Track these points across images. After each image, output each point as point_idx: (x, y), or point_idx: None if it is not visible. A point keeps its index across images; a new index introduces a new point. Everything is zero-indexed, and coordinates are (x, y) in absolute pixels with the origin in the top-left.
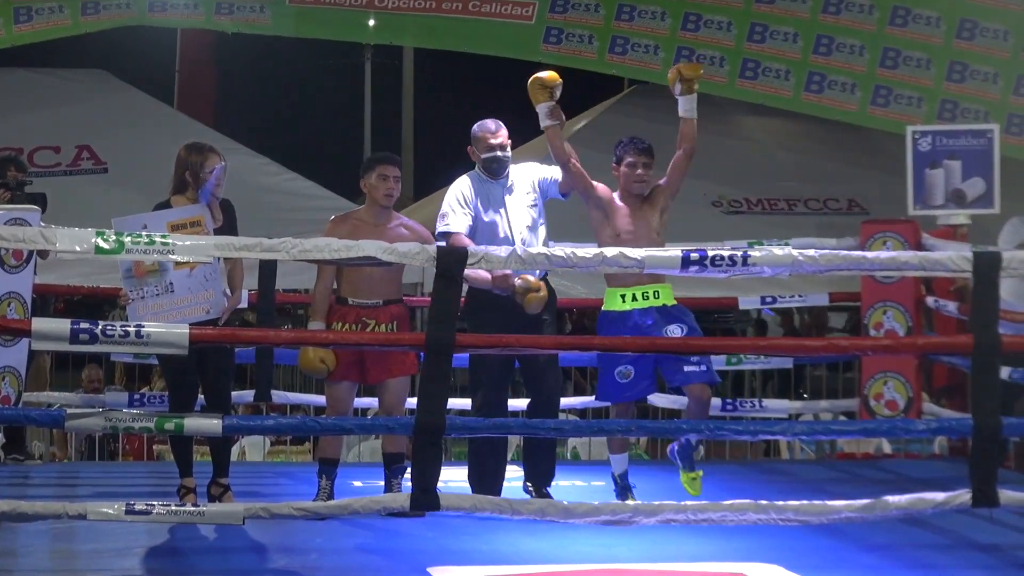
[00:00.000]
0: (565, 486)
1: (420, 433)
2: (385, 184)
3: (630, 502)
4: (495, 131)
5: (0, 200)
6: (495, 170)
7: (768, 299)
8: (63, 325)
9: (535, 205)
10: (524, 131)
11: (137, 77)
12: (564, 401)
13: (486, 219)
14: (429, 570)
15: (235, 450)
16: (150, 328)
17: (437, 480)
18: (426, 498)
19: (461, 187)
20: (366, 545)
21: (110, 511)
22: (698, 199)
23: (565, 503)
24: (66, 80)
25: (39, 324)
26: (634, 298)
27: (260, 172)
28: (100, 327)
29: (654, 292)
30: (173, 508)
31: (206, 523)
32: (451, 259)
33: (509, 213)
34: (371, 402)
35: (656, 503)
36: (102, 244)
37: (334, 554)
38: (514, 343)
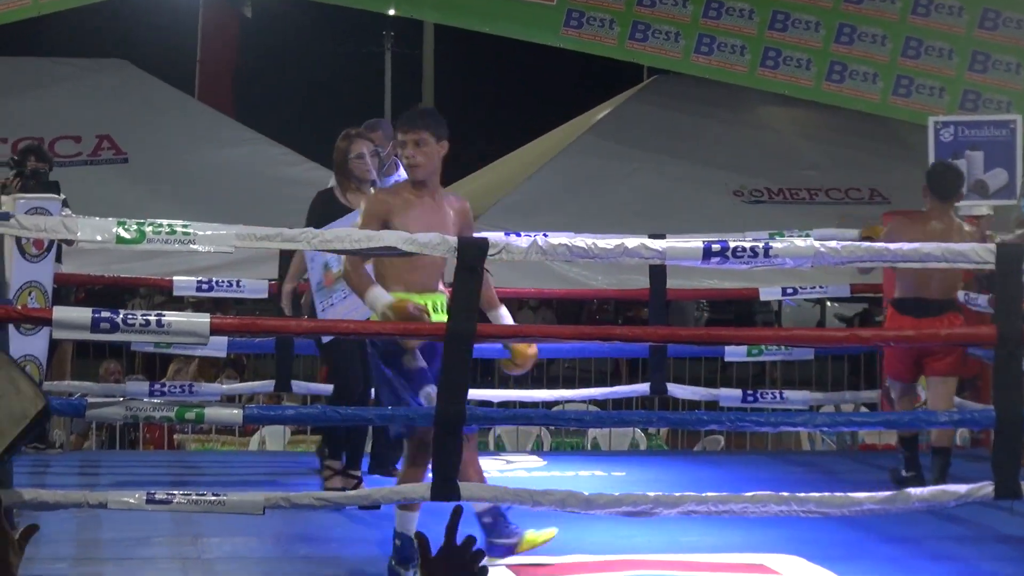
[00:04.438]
0: (586, 476)
1: (441, 423)
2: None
3: (650, 493)
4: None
5: (11, 186)
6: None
7: (789, 290)
8: (84, 314)
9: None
10: (542, 121)
11: (158, 67)
12: (584, 392)
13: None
14: None
15: (255, 440)
16: (171, 317)
17: (457, 470)
18: (446, 488)
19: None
20: (386, 536)
21: (131, 500)
22: (719, 188)
23: (586, 494)
24: (87, 70)
25: (60, 313)
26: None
27: (280, 162)
28: (121, 316)
29: (442, 303)
30: (194, 497)
31: (226, 512)
32: (473, 250)
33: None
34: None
35: (677, 494)
36: (123, 234)
37: (354, 544)
38: (534, 333)
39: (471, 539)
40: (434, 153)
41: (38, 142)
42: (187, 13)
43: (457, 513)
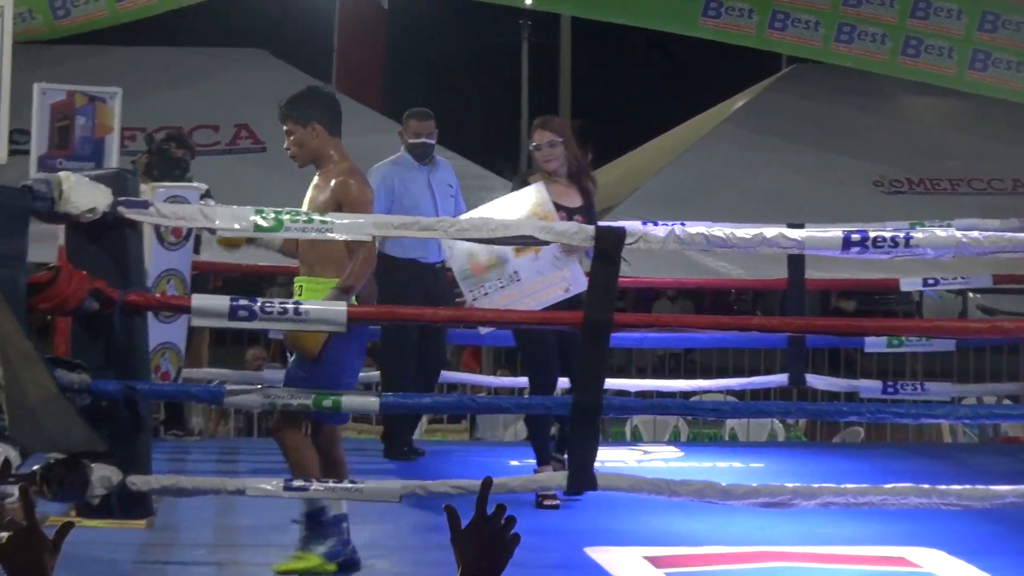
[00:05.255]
0: (723, 467)
1: (578, 413)
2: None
3: (788, 484)
4: (424, 120)
5: (139, 163)
6: (419, 155)
7: (930, 281)
8: (222, 302)
9: (454, 197)
10: (680, 109)
11: (296, 57)
12: (722, 382)
13: (405, 201)
14: (586, 550)
15: None
16: (308, 306)
17: (594, 460)
18: (583, 478)
19: (381, 172)
20: (521, 525)
21: (268, 487)
22: (859, 179)
23: (723, 484)
24: (224, 59)
25: (198, 301)
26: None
27: None
28: (259, 304)
29: (298, 287)
30: (331, 485)
31: (363, 500)
32: (610, 239)
33: (435, 194)
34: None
35: (815, 485)
36: (261, 222)
37: None
38: (671, 323)
39: (501, 507)
40: (304, 139)
41: (178, 131)
42: (325, 4)
43: (487, 484)
